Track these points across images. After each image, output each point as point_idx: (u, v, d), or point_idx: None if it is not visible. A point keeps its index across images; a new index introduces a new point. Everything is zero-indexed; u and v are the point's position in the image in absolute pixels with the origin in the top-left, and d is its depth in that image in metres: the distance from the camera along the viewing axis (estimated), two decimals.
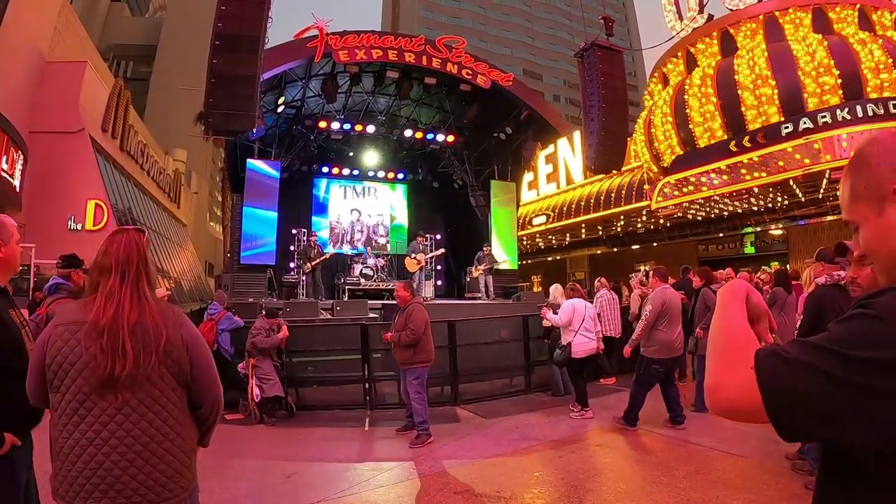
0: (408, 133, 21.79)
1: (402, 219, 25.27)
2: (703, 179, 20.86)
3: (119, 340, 2.26)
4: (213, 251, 48.96)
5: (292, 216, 20.75)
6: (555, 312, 9.44)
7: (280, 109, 19.79)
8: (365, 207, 24.39)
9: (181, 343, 2.41)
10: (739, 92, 19.64)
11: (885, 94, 17.92)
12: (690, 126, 21.04)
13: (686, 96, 21.22)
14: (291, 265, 19.75)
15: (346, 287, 18.65)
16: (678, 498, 5.48)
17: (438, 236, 22.60)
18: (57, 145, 17.51)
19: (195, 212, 45.67)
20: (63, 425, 2.25)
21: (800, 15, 20.24)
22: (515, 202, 24.22)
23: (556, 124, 21.63)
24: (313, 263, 16.97)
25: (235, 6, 12.67)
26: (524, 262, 33.53)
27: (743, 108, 19.63)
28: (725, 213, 24.52)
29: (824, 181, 18.42)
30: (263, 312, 9.61)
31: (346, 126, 21.01)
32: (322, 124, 20.57)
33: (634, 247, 30.85)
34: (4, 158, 15.09)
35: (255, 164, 18.05)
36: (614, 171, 21.43)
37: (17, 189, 15.89)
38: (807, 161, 17.91)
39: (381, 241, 24.09)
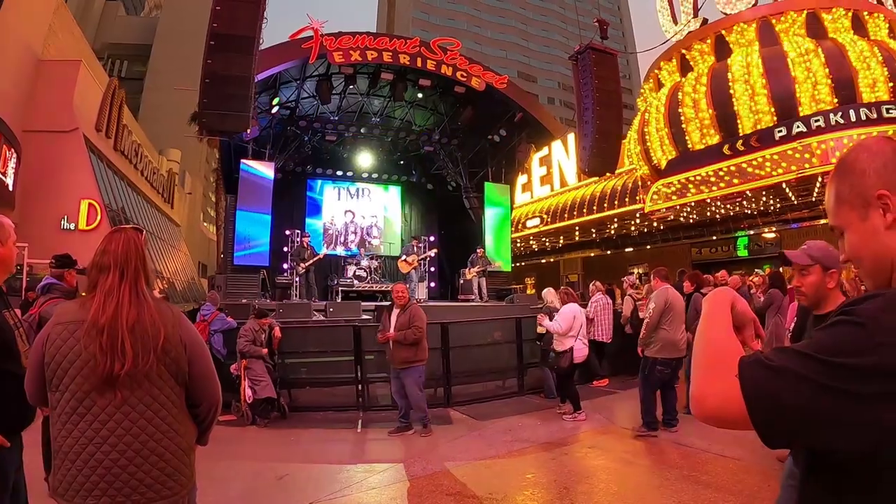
0: (402, 134, 21.78)
1: (396, 221, 25.25)
2: (697, 182, 20.90)
3: (118, 339, 2.26)
4: (206, 252, 48.91)
5: (286, 217, 20.73)
6: (551, 317, 9.42)
7: (274, 110, 19.76)
8: (359, 209, 24.35)
9: (179, 342, 2.42)
10: (733, 96, 19.70)
11: (879, 99, 17.99)
12: (684, 129, 21.08)
13: (680, 100, 21.28)
14: (285, 266, 19.69)
15: (340, 288, 18.63)
16: (670, 500, 5.49)
17: (432, 238, 22.59)
18: (50, 144, 17.47)
19: (189, 212, 45.65)
20: (62, 424, 2.25)
21: (794, 19, 20.31)
22: (509, 204, 24.23)
23: (550, 127, 21.67)
24: (306, 265, 16.95)
25: (230, 6, 12.64)
26: (518, 264, 33.57)
27: (736, 112, 19.68)
28: (718, 217, 24.57)
29: (817, 184, 18.51)
30: (254, 313, 9.60)
31: (341, 127, 21.01)
32: (316, 125, 20.57)
33: (628, 249, 30.88)
34: None
35: (249, 164, 18.01)
36: (608, 174, 21.50)
37: (10, 188, 15.85)
38: (799, 165, 17.97)
39: (375, 242, 24.05)
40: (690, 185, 21.04)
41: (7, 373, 2.60)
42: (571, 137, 27.76)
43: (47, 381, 2.28)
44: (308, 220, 23.03)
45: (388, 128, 22.42)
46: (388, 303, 14.47)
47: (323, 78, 19.01)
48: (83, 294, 2.53)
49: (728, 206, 22.30)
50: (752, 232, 25.02)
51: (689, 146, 21.14)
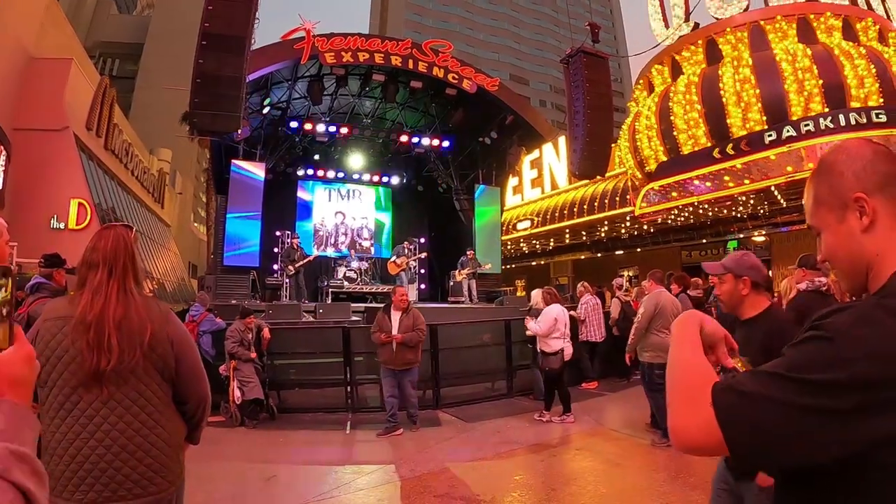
0: (393, 136, 21.78)
1: (387, 222, 25.22)
2: (687, 185, 20.98)
3: (105, 335, 2.27)
4: (196, 252, 48.78)
5: (276, 218, 20.65)
6: (537, 318, 9.44)
7: (266, 111, 19.72)
8: (349, 210, 24.31)
9: (166, 339, 2.43)
10: (723, 100, 19.79)
11: (869, 104, 18.10)
12: (674, 133, 21.17)
13: (671, 103, 21.37)
14: (275, 267, 19.67)
15: (330, 290, 18.60)
16: (657, 502, 5.52)
17: (423, 240, 22.59)
18: (40, 143, 17.36)
19: (179, 212, 45.49)
20: (50, 419, 2.26)
21: (784, 24, 20.41)
22: (500, 207, 24.25)
23: (541, 129, 21.69)
24: (296, 266, 16.92)
25: (223, 6, 12.62)
26: (508, 266, 33.64)
27: (727, 116, 19.77)
28: (709, 220, 24.66)
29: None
30: (239, 314, 9.59)
31: (332, 128, 20.98)
32: (307, 126, 20.54)
33: (618, 252, 30.98)
34: None
35: (240, 165, 17.97)
36: (598, 177, 21.53)
37: (0, 187, 15.77)
38: (789, 168, 18.08)
39: (366, 244, 24.03)
40: (680, 189, 21.12)
41: None
42: (562, 140, 27.85)
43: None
44: (298, 222, 22.99)
45: (380, 129, 22.40)
46: (378, 304, 14.47)
47: (314, 79, 18.98)
48: (73, 292, 2.54)
49: (718, 209, 22.40)
50: (741, 235, 25.11)
51: (680, 150, 21.21)
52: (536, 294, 10.13)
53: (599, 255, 32.15)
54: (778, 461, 1.08)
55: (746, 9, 21.53)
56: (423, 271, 22.43)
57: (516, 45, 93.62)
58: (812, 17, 20.37)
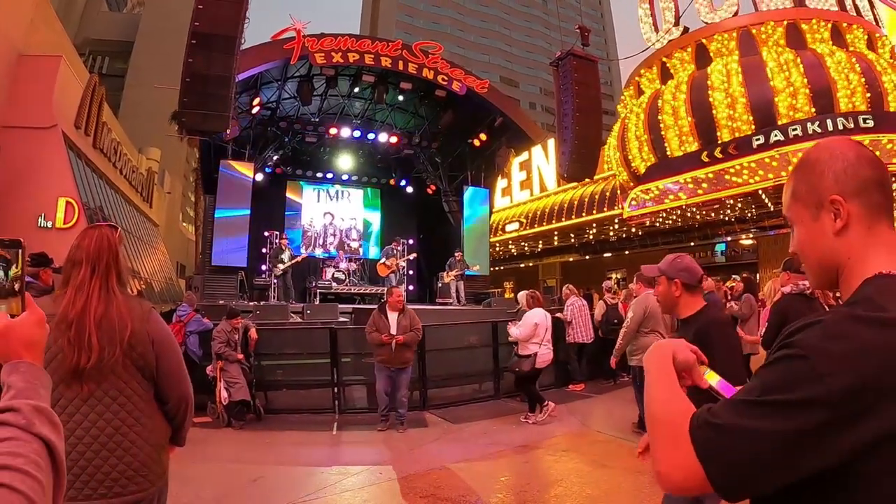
0: (382, 137, 21.77)
1: (375, 223, 25.20)
2: (675, 188, 21.05)
3: (85, 333, 2.29)
4: (185, 252, 48.55)
5: (265, 218, 20.60)
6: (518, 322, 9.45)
7: (255, 111, 19.66)
8: (338, 211, 24.28)
9: (147, 337, 2.44)
10: (712, 104, 19.88)
11: (856, 109, 18.21)
12: (663, 136, 21.25)
13: (660, 107, 21.43)
14: (263, 268, 19.61)
15: (318, 290, 18.58)
16: (644, 502, 5.55)
17: (411, 241, 22.56)
18: (28, 141, 17.25)
19: (168, 212, 45.26)
20: None
21: (774, 29, 20.53)
22: (488, 208, 24.26)
23: (530, 132, 21.72)
24: (284, 266, 16.90)
25: (213, 5, 12.60)
26: (497, 268, 33.67)
27: (715, 120, 19.85)
28: (697, 223, 24.75)
29: None
30: (226, 314, 9.57)
31: (321, 129, 20.96)
32: (297, 126, 20.53)
33: (606, 255, 31.07)
34: None
35: (229, 165, 17.92)
36: (587, 179, 21.57)
37: None
38: (771, 176, 18.17)
39: (354, 245, 24.00)
40: (672, 190, 21.20)
41: None
42: (552, 142, 27.88)
43: None
44: (287, 222, 22.94)
45: (369, 130, 22.39)
46: (366, 305, 14.47)
47: (304, 79, 18.94)
48: (58, 291, 2.55)
49: (706, 212, 22.49)
50: (729, 238, 25.24)
51: (669, 153, 21.30)
52: (522, 296, 10.14)
53: (588, 257, 32.23)
54: (762, 488, 1.06)
55: (736, 14, 21.64)
56: (411, 272, 22.41)
57: (507, 48, 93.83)
58: (801, 22, 20.49)
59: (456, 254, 18.98)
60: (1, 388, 1.11)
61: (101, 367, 2.29)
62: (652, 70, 23.75)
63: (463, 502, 5.67)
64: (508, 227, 33.01)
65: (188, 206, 55.46)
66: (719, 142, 19.82)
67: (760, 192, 19.38)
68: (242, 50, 13.51)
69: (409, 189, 25.51)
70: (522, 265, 37.82)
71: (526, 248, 34.82)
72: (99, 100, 22.12)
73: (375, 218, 25.20)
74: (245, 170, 18.18)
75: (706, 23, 22.09)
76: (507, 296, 24.91)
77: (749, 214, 22.59)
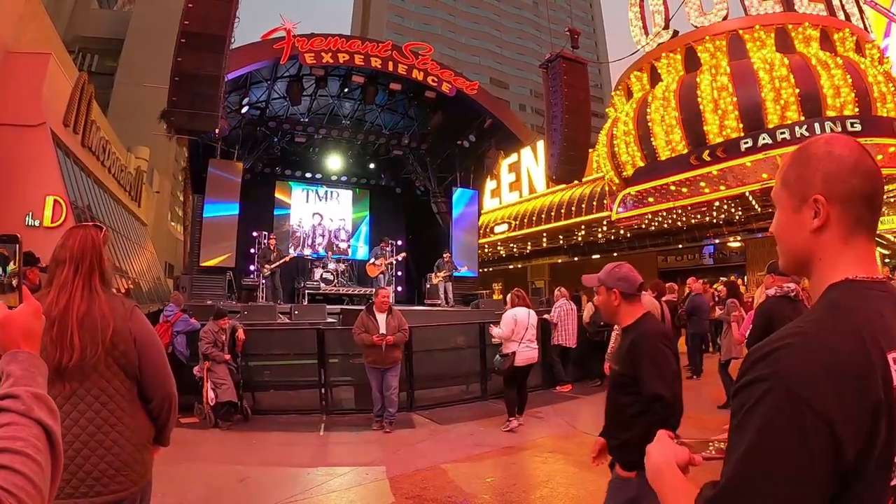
0: (372, 138, 21.75)
1: (364, 224, 25.16)
2: (664, 191, 21.14)
3: (68, 332, 2.30)
4: (173, 252, 48.32)
5: (253, 218, 20.52)
6: None
7: (244, 110, 19.61)
8: (327, 211, 24.22)
9: (129, 335, 2.45)
10: (701, 107, 19.99)
11: (844, 113, 18.34)
12: (652, 139, 21.35)
13: (649, 109, 21.54)
14: (251, 268, 19.54)
15: (306, 291, 18.54)
16: None
17: (400, 242, 22.52)
18: (16, 138, 17.12)
19: (156, 211, 45.08)
20: None
21: (763, 34, 20.64)
22: (477, 210, 24.26)
23: (519, 133, 21.73)
24: (272, 266, 16.86)
25: (203, 4, 12.58)
26: (485, 269, 33.69)
27: (704, 123, 19.96)
28: (685, 225, 24.85)
29: None
30: (213, 315, 9.55)
31: (310, 129, 20.93)
32: (286, 126, 20.49)
33: (595, 256, 31.13)
34: None
35: (217, 164, 17.87)
36: (576, 181, 21.62)
37: None
38: (764, 176, 18.27)
39: (343, 245, 23.96)
40: (657, 194, 21.28)
41: None
42: (541, 144, 27.96)
43: None
44: (275, 222, 22.89)
45: (358, 131, 22.36)
46: (355, 306, 14.46)
47: (294, 79, 18.90)
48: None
49: (694, 215, 22.58)
50: (717, 241, 25.34)
51: (657, 155, 21.38)
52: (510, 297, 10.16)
53: (576, 259, 32.29)
54: None
55: (726, 18, 21.78)
56: (399, 273, 22.38)
57: (497, 50, 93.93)
58: (790, 27, 20.63)
59: (444, 255, 18.97)
60: (0, 376, 1.16)
61: (83, 366, 2.30)
62: (641, 73, 23.86)
63: (449, 503, 5.68)
64: (497, 229, 33.07)
65: (177, 206, 55.18)
66: (708, 145, 19.91)
67: (748, 195, 19.49)
68: (232, 49, 13.48)
69: (398, 190, 25.49)
70: (511, 267, 37.88)
71: (515, 250, 34.90)
72: (88, 98, 22.01)
73: (364, 219, 25.16)
74: (233, 170, 18.14)
75: (696, 26, 22.21)
76: (495, 297, 24.94)
77: (737, 217, 22.70)
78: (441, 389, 11.18)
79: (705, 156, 19.80)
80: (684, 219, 23.59)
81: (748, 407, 1.06)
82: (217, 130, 14.55)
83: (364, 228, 25.03)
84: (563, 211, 27.94)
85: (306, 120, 21.17)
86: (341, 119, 21.99)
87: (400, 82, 18.91)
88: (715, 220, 23.66)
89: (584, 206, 26.82)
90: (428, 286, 20.13)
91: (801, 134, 18.10)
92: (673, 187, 20.76)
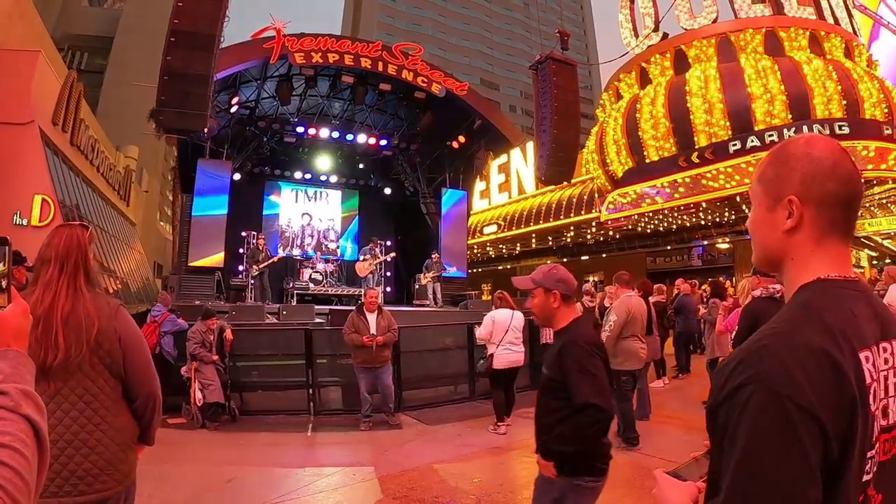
0: (361, 138, 21.74)
1: (353, 225, 25.14)
2: (653, 192, 21.20)
3: (52, 331, 2.30)
4: (162, 252, 48.06)
5: (242, 218, 20.47)
6: None
7: (234, 110, 19.56)
8: (316, 212, 24.20)
9: (114, 334, 2.45)
10: (690, 109, 20.05)
11: (832, 116, 18.44)
12: (641, 140, 21.41)
13: (638, 111, 21.60)
14: (240, 268, 19.49)
15: (295, 291, 18.53)
16: (614, 503, 5.60)
17: (389, 242, 22.49)
18: (4, 137, 16.98)
19: (145, 211, 44.82)
20: None
21: (752, 37, 20.74)
22: (466, 211, 24.28)
23: (509, 134, 21.77)
24: (261, 267, 16.82)
25: (193, 3, 12.58)
26: (475, 270, 33.74)
27: (693, 125, 20.02)
28: (674, 226, 24.94)
29: None
30: (201, 315, 9.53)
31: (300, 129, 20.90)
32: (275, 126, 20.46)
33: (584, 258, 31.24)
34: None
35: (206, 164, 17.83)
36: (565, 183, 21.67)
37: None
38: (747, 181, 18.35)
39: (332, 245, 23.95)
40: (649, 194, 21.35)
41: None
42: (530, 145, 28.03)
43: None
44: (265, 222, 22.84)
45: (348, 131, 22.34)
46: (344, 307, 14.45)
47: (283, 78, 18.88)
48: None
49: (683, 216, 22.65)
50: (706, 242, 25.45)
51: (646, 157, 21.44)
52: None
53: (565, 259, 32.36)
54: None
55: (715, 21, 21.86)
56: (388, 274, 22.36)
57: (488, 51, 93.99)
58: (780, 30, 20.73)
59: (433, 255, 18.96)
60: None
61: (67, 366, 2.30)
62: (631, 75, 23.93)
63: (436, 503, 5.68)
64: (486, 230, 33.12)
65: (166, 206, 54.94)
66: (696, 147, 19.98)
67: (737, 197, 19.57)
68: (222, 48, 13.46)
69: (388, 190, 25.48)
70: (500, 267, 37.94)
71: (504, 251, 34.97)
72: (77, 96, 21.88)
73: (353, 219, 25.14)
74: (222, 169, 18.10)
75: (685, 29, 22.30)
76: (484, 298, 24.97)
77: (725, 218, 22.80)
78: (429, 390, 11.19)
79: (694, 158, 19.88)
80: (670, 219, 23.65)
81: (736, 415, 1.06)
82: (206, 130, 14.54)
83: (353, 229, 25.00)
84: (552, 212, 28.00)
85: (296, 119, 21.15)
86: (331, 119, 21.97)
87: (389, 83, 18.92)
88: (703, 222, 23.76)
89: (573, 207, 26.88)
90: (417, 287, 20.13)
91: (789, 136, 18.18)
92: (663, 188, 20.81)
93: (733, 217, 22.55)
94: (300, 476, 6.61)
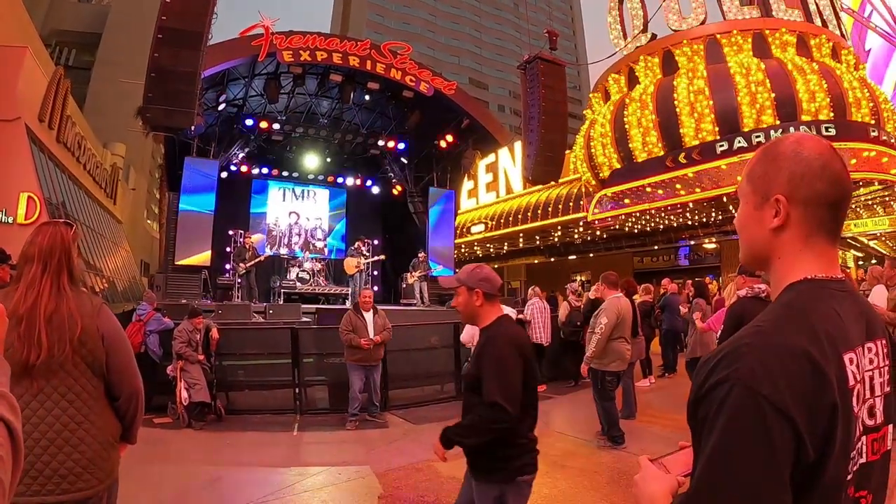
0: (349, 137, 21.72)
1: (341, 223, 25.12)
2: (640, 192, 21.27)
3: (35, 329, 2.29)
4: (149, 250, 47.78)
5: (229, 217, 20.44)
6: None
7: (221, 107, 19.52)
8: (303, 210, 24.19)
9: (97, 333, 2.44)
10: (677, 110, 20.09)
11: (819, 118, 18.53)
12: (629, 141, 21.45)
13: (626, 112, 21.63)
14: (227, 267, 19.44)
15: (282, 290, 18.50)
16: (600, 502, 5.61)
17: (376, 242, 22.52)
18: None
19: (132, 209, 44.49)
20: None
21: (740, 38, 20.79)
22: (454, 210, 24.29)
23: (496, 134, 21.82)
24: (247, 265, 16.77)
25: (180, 0, 12.54)
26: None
27: (680, 126, 20.07)
28: (661, 226, 25.01)
29: None
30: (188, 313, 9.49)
31: (287, 127, 20.88)
32: (263, 124, 20.41)
33: (571, 257, 31.29)
34: None
35: (193, 162, 17.79)
36: (553, 182, 21.70)
37: None
38: (739, 178, 18.42)
39: (319, 244, 23.93)
40: (633, 196, 21.41)
41: None
42: (518, 145, 28.03)
43: None
44: (252, 221, 22.79)
45: (336, 130, 22.32)
46: (330, 306, 14.43)
47: (272, 77, 18.86)
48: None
49: (670, 216, 22.73)
50: (692, 242, 25.54)
51: (634, 157, 21.49)
52: None
53: (553, 259, 32.44)
54: None
55: (703, 22, 21.89)
56: (375, 273, 22.36)
57: (477, 50, 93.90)
58: (767, 32, 20.78)
59: (419, 254, 18.96)
60: None
61: (50, 364, 2.30)
62: (619, 75, 23.96)
63: (421, 502, 5.69)
64: (474, 229, 33.09)
65: (153, 204, 54.67)
66: (684, 147, 20.03)
67: (724, 197, 19.65)
68: (209, 46, 13.46)
69: (375, 189, 25.49)
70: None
71: (491, 250, 34.95)
72: (64, 93, 21.72)
73: (341, 218, 25.13)
74: (209, 167, 18.07)
75: (674, 30, 22.33)
76: None
77: (712, 219, 22.89)
78: (415, 389, 11.17)
79: (681, 158, 19.92)
80: (657, 219, 23.73)
81: (713, 411, 1.07)
82: (193, 127, 14.50)
83: (341, 228, 24.98)
84: (539, 212, 28.00)
85: (283, 118, 21.12)
86: (319, 117, 21.96)
87: (378, 81, 18.94)
88: (690, 222, 23.84)
89: (560, 206, 26.88)
90: (404, 286, 20.14)
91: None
92: (649, 189, 20.88)
93: (720, 217, 22.65)
94: (286, 475, 6.59)
